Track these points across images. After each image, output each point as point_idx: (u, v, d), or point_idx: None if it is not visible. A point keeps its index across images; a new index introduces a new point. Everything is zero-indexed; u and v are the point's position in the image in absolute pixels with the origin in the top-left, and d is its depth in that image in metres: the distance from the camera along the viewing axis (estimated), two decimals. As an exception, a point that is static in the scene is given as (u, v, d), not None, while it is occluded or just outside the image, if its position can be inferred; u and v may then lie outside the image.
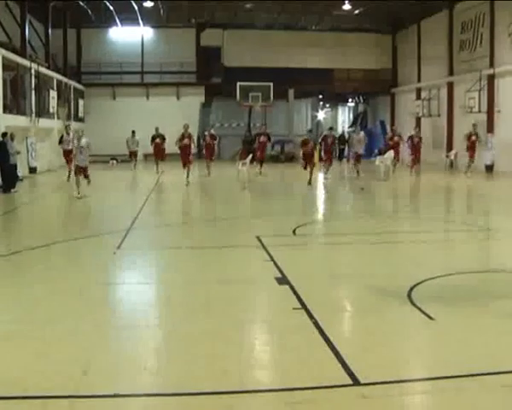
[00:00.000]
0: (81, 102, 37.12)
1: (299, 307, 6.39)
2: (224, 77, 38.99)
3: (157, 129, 27.38)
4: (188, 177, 21.99)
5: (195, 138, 26.93)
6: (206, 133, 26.78)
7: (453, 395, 4.34)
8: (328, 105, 49.85)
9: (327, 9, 35.35)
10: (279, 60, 38.14)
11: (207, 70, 39.55)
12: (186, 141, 22.18)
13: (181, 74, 38.68)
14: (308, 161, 22.53)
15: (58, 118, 31.44)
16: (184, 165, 22.03)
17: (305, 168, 22.62)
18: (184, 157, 22.15)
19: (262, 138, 27.65)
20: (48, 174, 27.98)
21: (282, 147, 40.20)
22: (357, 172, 24.98)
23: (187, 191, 20.62)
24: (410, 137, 26.95)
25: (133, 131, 29.47)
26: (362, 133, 27.41)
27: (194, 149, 23.36)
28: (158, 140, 26.83)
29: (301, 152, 23.29)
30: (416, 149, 26.65)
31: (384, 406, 4.22)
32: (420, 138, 27.13)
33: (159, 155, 27.15)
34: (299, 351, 5.20)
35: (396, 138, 26.78)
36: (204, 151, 27.02)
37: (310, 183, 21.69)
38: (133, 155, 29.78)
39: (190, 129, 23.43)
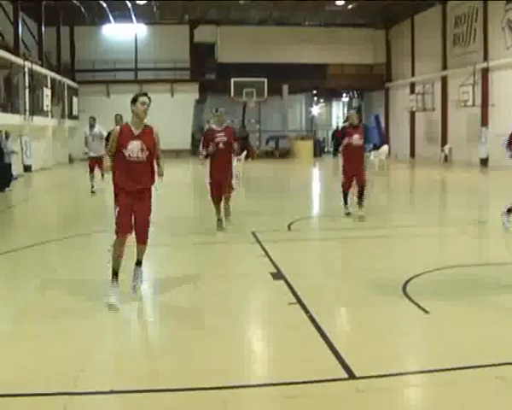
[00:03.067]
0: (75, 99, 37.08)
1: (295, 301, 6.40)
2: (218, 73, 39.01)
3: (118, 117, 13.76)
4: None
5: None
6: (214, 126, 12.15)
7: (448, 388, 4.35)
8: (322, 100, 49.81)
9: (320, 5, 35.34)
10: (273, 56, 38.14)
11: (201, 66, 39.54)
12: (134, 147, 6.97)
13: (175, 71, 38.64)
14: None
15: (52, 116, 31.38)
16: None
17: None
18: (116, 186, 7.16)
19: (356, 138, 12.26)
20: (42, 172, 27.95)
21: (277, 143, 40.30)
22: None
23: (181, 188, 20.56)
24: None
25: (92, 119, 17.66)
26: None
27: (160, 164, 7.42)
28: None
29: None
30: None
31: (379, 399, 4.23)
32: None
33: None
34: (295, 346, 5.21)
35: None
36: (212, 167, 11.16)
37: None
38: (96, 163, 16.44)
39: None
